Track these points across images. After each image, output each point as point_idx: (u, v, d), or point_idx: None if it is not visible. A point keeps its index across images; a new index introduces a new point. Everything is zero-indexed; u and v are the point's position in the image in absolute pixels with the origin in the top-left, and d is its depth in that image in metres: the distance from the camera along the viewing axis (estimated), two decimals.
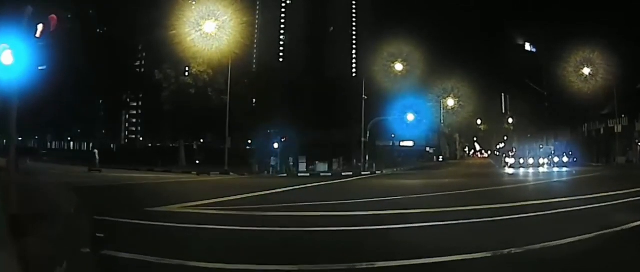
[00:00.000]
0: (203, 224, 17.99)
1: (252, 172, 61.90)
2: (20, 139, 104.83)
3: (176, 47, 65.07)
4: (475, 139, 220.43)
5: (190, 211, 21.77)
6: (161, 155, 74.10)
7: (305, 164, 68.10)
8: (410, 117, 77.57)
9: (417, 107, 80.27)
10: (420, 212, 21.04)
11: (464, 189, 33.94)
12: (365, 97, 76.44)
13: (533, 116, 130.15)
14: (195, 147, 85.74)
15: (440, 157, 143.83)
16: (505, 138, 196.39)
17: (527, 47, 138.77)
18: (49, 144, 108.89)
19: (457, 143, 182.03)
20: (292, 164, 65.90)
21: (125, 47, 78.97)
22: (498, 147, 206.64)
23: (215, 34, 64.20)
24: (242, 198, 28.14)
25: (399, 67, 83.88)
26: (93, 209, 12.21)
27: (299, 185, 39.24)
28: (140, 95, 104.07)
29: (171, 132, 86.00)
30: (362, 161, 74.91)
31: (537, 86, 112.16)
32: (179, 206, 23.01)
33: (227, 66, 64.86)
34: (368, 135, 76.51)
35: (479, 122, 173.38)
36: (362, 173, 66.17)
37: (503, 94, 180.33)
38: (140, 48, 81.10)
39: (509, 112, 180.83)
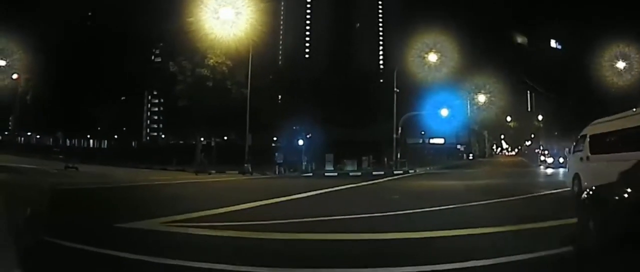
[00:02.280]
0: (187, 257, 11.14)
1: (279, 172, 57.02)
2: (37, 136, 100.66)
3: (192, 37, 59.95)
4: (502, 136, 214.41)
5: (177, 229, 15.22)
6: (179, 153, 68.86)
7: (332, 163, 63.75)
8: (444, 112, 73.68)
9: (448, 102, 75.78)
10: (494, 232, 14.80)
11: (518, 194, 27.25)
12: (397, 90, 71.22)
13: (559, 114, 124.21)
14: (212, 144, 79.51)
15: (470, 154, 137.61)
16: (532, 136, 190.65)
17: (553, 44, 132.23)
18: (62, 141, 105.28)
19: (486, 140, 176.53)
20: (306, 162, 61.50)
21: (140, 39, 73.00)
22: (527, 144, 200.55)
23: (233, 22, 58.82)
24: (255, 207, 21.78)
25: (432, 57, 77.07)
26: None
27: (326, 188, 32.61)
28: (154, 92, 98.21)
29: (189, 129, 79.60)
30: (394, 159, 69.86)
31: (562, 84, 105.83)
32: (166, 220, 16.73)
33: (248, 58, 60.11)
34: (399, 131, 71.64)
35: (508, 119, 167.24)
36: (394, 172, 60.92)
37: (528, 92, 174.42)
38: (154, 40, 74.60)
39: (534, 110, 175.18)
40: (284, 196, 25.88)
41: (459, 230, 14.95)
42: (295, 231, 15.20)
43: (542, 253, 11.31)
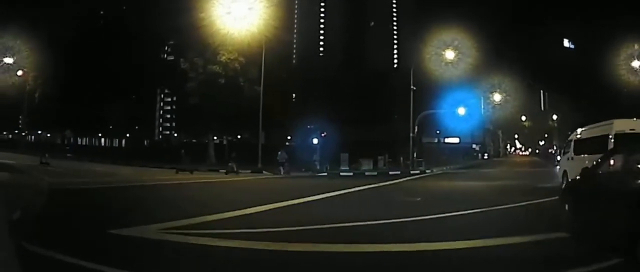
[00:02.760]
0: None
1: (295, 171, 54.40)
2: (48, 135, 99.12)
3: (203, 33, 58.37)
4: (516, 136, 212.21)
5: (176, 237, 13.17)
6: (191, 151, 66.25)
7: (347, 162, 61.82)
8: (461, 110, 70.94)
9: (464, 101, 72.87)
10: (540, 241, 12.95)
11: (544, 196, 24.53)
12: (414, 88, 69.16)
13: (572, 114, 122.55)
14: (224, 142, 77.51)
15: (485, 154, 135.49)
16: (546, 135, 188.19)
17: (566, 43, 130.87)
18: (72, 140, 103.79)
19: (500, 140, 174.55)
20: (318, 161, 59.24)
21: (151, 36, 71.17)
22: (540, 144, 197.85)
23: (246, 18, 56.59)
24: (266, 210, 19.58)
25: (448, 55, 74.81)
26: None
27: (343, 189, 30.16)
28: (165, 90, 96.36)
29: (201, 127, 77.60)
30: (411, 158, 67.60)
31: (575, 83, 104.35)
32: (164, 226, 14.64)
33: (261, 55, 57.92)
34: (416, 130, 69.36)
35: (523, 118, 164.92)
36: (411, 172, 58.69)
37: (541, 91, 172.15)
38: (165, 36, 72.60)
39: (547, 109, 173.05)
40: (299, 198, 23.67)
41: (498, 239, 13.14)
42: (312, 240, 13.20)
43: (604, 264, 10.07)
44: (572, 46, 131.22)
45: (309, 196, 24.90)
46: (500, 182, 39.33)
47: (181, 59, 64.05)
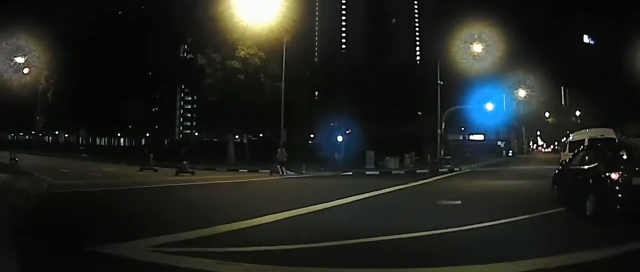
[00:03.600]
0: None
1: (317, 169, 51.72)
2: (66, 135, 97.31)
3: (220, 28, 55.32)
4: (538, 132, 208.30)
5: (169, 258, 10.55)
6: (211, 150, 64.71)
7: (373, 160, 58.83)
8: (490, 106, 67.74)
9: (489, 97, 69.41)
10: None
11: None
12: (441, 83, 65.95)
13: (593, 110, 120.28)
14: (244, 141, 75.06)
15: (510, 151, 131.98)
16: (568, 132, 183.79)
17: (586, 39, 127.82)
18: (90, 139, 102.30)
19: (523, 136, 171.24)
20: (339, 159, 55.64)
21: (167, 32, 68.51)
22: (564, 141, 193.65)
23: (265, 11, 52.44)
24: (285, 219, 16.74)
25: (475, 48, 71.93)
26: None
27: (372, 190, 27.08)
28: (183, 87, 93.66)
29: (221, 125, 74.83)
30: (439, 156, 64.17)
31: (595, 79, 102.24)
32: (158, 242, 11.98)
33: (281, 50, 54.45)
34: (443, 127, 66.10)
35: (546, 114, 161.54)
36: (440, 171, 55.36)
37: (562, 88, 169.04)
38: (181, 32, 69.60)
39: (567, 105, 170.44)
40: (322, 203, 20.73)
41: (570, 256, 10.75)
42: (338, 262, 10.40)
43: None
44: (592, 42, 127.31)
45: (333, 200, 21.91)
46: (533, 180, 36.74)
47: (198, 55, 61.25)
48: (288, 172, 45.90)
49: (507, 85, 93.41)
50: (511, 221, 16.10)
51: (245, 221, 15.40)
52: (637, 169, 15.78)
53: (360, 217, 18.16)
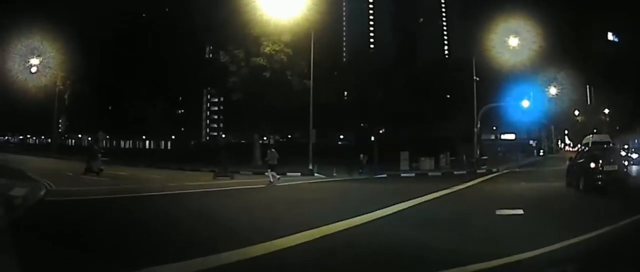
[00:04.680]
0: None
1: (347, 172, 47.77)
2: (89, 139, 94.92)
3: (243, 23, 51.99)
4: (566, 131, 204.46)
5: None
6: (237, 152, 60.18)
7: (407, 161, 55.01)
8: (526, 103, 64.61)
9: (525, 94, 66.20)
10: None
11: None
12: (477, 79, 63.17)
13: (618, 109, 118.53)
14: (271, 142, 73.33)
15: (541, 150, 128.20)
16: (595, 131, 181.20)
17: (610, 36, 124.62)
18: (114, 142, 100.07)
19: (552, 135, 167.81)
20: (364, 161, 50.89)
21: (188, 29, 65.19)
22: (597, 140, 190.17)
23: (291, 5, 48.72)
24: (319, 238, 13.11)
25: (512, 41, 67.99)
26: None
27: (413, 197, 23.08)
28: (207, 86, 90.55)
29: (247, 126, 71.53)
30: (476, 156, 61.60)
31: (621, 78, 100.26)
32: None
33: (309, 46, 50.88)
34: (479, 125, 63.88)
35: (576, 113, 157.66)
36: (478, 172, 52.47)
37: (587, 86, 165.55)
38: (203, 28, 66.08)
39: (593, 103, 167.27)
40: (359, 214, 16.93)
41: None
42: None
43: None
44: (616, 39, 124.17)
45: (373, 210, 18.13)
46: None
47: (221, 52, 57.67)
48: (277, 176, 36.68)
49: (539, 82, 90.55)
50: (595, 235, 13.08)
51: (293, 236, 12.70)
52: (608, 161, 26.72)
53: (414, 236, 14.06)
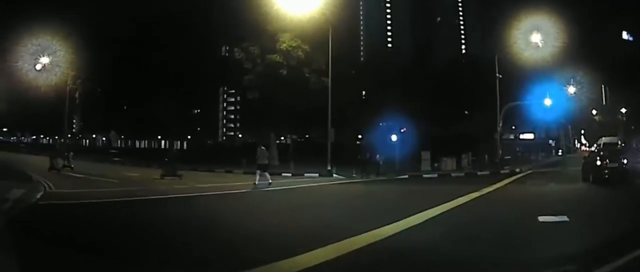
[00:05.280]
0: None
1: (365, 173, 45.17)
2: (103, 139, 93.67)
3: (259, 19, 50.54)
4: (582, 131, 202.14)
5: None
6: (254, 153, 58.07)
7: (429, 162, 53.15)
8: (548, 101, 62.93)
9: (545, 93, 64.60)
10: None
11: None
12: (500, 76, 61.16)
13: (634, 109, 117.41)
14: (288, 141, 72.19)
15: (559, 150, 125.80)
16: (609, 135, 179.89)
17: (625, 36, 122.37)
18: (129, 142, 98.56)
19: (570, 135, 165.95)
20: (380, 161, 48.00)
21: (203, 27, 63.32)
22: (607, 141, 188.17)
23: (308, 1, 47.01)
24: (346, 255, 10.76)
25: (535, 37, 65.86)
26: None
27: (445, 201, 20.71)
28: (222, 85, 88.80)
29: (263, 125, 69.59)
30: (499, 156, 59.69)
31: (636, 77, 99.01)
32: None
33: (326, 43, 48.57)
34: (501, 125, 62.04)
35: (593, 112, 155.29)
36: (501, 172, 49.70)
37: (602, 86, 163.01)
38: (217, 25, 64.07)
39: (608, 103, 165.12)
40: (391, 222, 14.65)
41: None
42: None
43: None
44: (631, 38, 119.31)
45: (401, 218, 15.72)
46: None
47: (235, 49, 55.88)
48: (264, 181, 31.53)
49: (558, 81, 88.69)
50: None
51: (313, 251, 10.56)
52: (611, 158, 32.83)
53: (455, 250, 11.62)
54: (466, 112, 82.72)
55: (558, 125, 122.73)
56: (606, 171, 31.76)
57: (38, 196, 21.20)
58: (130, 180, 34.75)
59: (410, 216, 16.29)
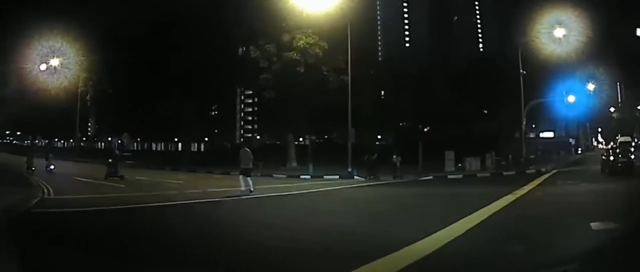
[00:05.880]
0: None
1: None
2: (119, 142, 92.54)
3: (274, 15, 48.67)
4: (599, 129, 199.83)
5: None
6: (272, 154, 58.49)
7: (453, 162, 50.55)
8: (571, 98, 62.53)
9: (568, 90, 63.67)
10: None
11: None
12: (524, 72, 58.58)
13: None
14: (307, 143, 70.02)
15: (579, 149, 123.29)
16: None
17: (639, 33, 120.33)
18: (147, 145, 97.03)
19: (588, 133, 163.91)
20: (397, 162, 44.50)
21: (217, 24, 61.07)
22: (617, 138, 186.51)
23: None
24: None
25: (558, 32, 63.60)
26: None
27: (480, 207, 18.26)
28: (238, 84, 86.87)
29: (281, 126, 67.69)
30: (524, 156, 58.17)
31: None
32: None
33: (345, 40, 46.03)
34: (524, 123, 60.19)
35: (611, 110, 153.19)
36: (527, 172, 47.26)
37: (617, 83, 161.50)
38: (232, 23, 61.78)
39: (624, 101, 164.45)
40: (427, 234, 12.42)
41: None
42: None
43: None
44: None
45: (438, 229, 13.39)
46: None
47: (251, 47, 53.77)
48: (245, 188, 26.90)
49: (578, 78, 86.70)
50: None
51: None
52: (622, 154, 40.10)
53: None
54: (485, 111, 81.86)
55: (577, 124, 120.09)
56: (619, 165, 38.54)
57: (33, 203, 19.60)
58: (139, 184, 32.91)
59: (447, 226, 14.02)
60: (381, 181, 40.06)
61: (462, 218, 15.48)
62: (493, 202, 20.32)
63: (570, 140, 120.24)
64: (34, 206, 18.94)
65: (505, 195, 23.46)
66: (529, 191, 27.40)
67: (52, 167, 41.69)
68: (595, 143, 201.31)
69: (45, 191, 24.16)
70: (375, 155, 44.87)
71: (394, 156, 44.68)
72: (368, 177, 41.76)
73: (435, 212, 18.17)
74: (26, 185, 25.82)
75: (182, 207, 21.45)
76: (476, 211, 17.29)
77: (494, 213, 17.45)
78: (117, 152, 41.78)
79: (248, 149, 29.51)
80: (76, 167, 49.33)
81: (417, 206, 22.61)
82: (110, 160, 38.63)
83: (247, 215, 19.45)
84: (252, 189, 26.50)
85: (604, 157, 44.29)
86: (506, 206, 20.06)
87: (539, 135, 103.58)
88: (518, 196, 24.14)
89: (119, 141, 54.58)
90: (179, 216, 19.05)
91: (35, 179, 29.42)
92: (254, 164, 29.20)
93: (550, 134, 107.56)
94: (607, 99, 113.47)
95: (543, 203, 22.96)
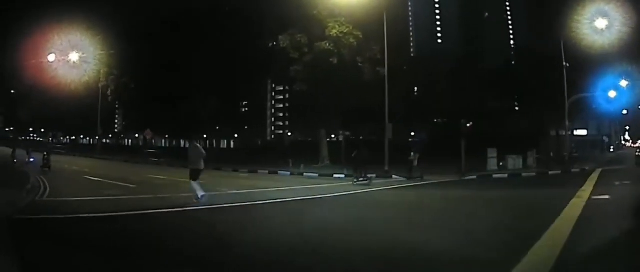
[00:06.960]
0: None
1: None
2: (148, 139, 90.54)
3: (305, 3, 45.80)
4: (627, 127, 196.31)
5: None
6: (304, 152, 55.27)
7: (495, 160, 47.27)
8: (612, 93, 58.91)
9: (610, 85, 59.68)
10: None
11: None
12: (567, 65, 55.53)
13: None
14: (340, 139, 67.11)
15: (611, 147, 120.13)
16: None
17: None
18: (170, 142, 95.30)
19: (619, 131, 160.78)
20: (414, 160, 38.39)
21: (246, 15, 58.32)
22: None
23: None
24: None
25: (600, 23, 59.80)
26: None
27: (553, 218, 14.17)
28: (269, 78, 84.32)
29: (312, 121, 64.89)
30: (569, 154, 55.22)
31: None
32: None
33: (381, 30, 42.22)
34: (567, 119, 55.87)
35: None
36: (572, 171, 45.13)
37: None
38: (261, 12, 58.55)
39: None
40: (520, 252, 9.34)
41: None
42: None
43: None
44: None
45: (528, 243, 10.32)
46: None
47: (280, 36, 49.75)
48: (199, 192, 20.59)
49: (613, 73, 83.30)
50: None
51: None
52: None
53: None
54: (517, 107, 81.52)
55: (610, 121, 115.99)
56: None
57: (18, 207, 16.88)
58: (150, 184, 29.63)
59: (534, 243, 10.41)
60: (425, 181, 35.04)
61: (545, 230, 12.12)
62: (564, 209, 16.72)
63: (604, 138, 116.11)
64: (17, 212, 15.88)
65: (570, 198, 19.99)
66: (592, 193, 23.19)
67: (32, 159, 41.84)
68: (623, 141, 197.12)
69: (41, 191, 21.71)
70: (413, 153, 40.39)
71: (412, 153, 39.49)
72: (355, 179, 33.60)
73: (510, 223, 14.69)
74: (22, 184, 22.87)
75: (191, 213, 17.79)
76: (553, 220, 13.75)
77: (578, 223, 13.61)
78: (49, 143, 40.77)
79: (198, 144, 22.59)
80: (92, 164, 47.33)
81: (483, 214, 18.10)
82: (44, 153, 38.35)
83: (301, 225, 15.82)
84: (199, 196, 20.08)
85: (637, 154, 54.59)
86: (585, 214, 15.92)
87: (573, 132, 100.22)
88: (584, 200, 20.10)
89: (52, 136, 54.30)
90: (189, 222, 15.89)
91: (34, 178, 26.53)
92: (203, 164, 22.96)
93: (583, 132, 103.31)
94: (637, 96, 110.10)
95: (616, 208, 18.73)
